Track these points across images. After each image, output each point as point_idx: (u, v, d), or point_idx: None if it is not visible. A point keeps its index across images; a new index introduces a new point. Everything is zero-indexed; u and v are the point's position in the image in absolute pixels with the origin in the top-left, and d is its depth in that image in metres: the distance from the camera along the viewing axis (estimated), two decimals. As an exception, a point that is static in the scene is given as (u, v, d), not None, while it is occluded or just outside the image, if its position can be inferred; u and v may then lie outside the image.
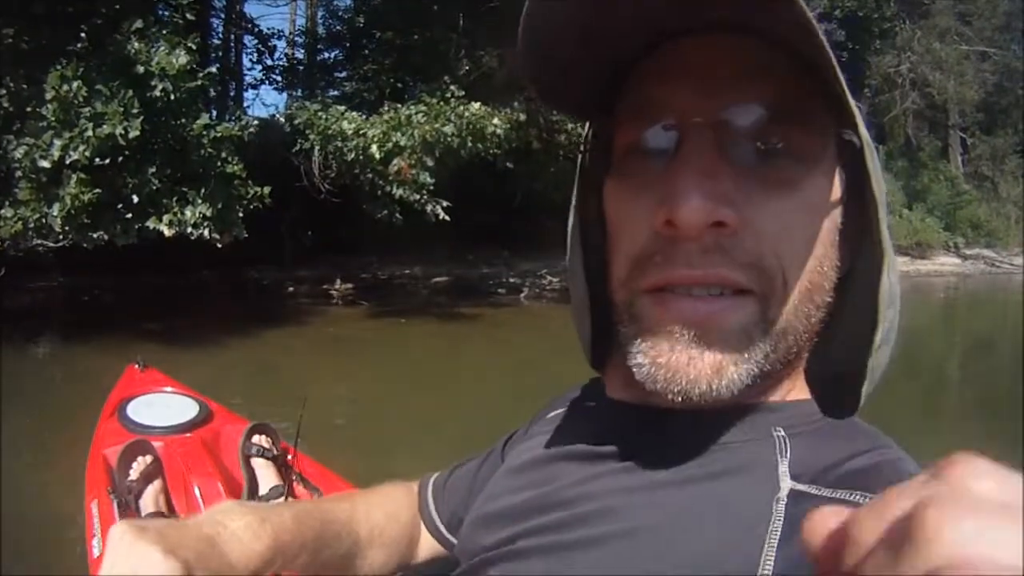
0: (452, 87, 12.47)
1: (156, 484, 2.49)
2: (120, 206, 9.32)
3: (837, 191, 0.61)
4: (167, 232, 9.45)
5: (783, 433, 0.62)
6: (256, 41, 19.10)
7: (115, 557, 0.65)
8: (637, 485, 0.64)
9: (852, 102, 0.57)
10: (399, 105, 12.40)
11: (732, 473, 0.61)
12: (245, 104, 19.03)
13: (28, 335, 10.08)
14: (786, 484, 0.57)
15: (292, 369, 8.74)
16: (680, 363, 0.57)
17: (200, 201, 9.65)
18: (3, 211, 9.08)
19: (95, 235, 9.23)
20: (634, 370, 0.61)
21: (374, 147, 11.48)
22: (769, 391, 0.66)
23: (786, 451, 0.60)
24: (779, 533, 0.54)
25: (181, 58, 9.58)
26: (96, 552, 2.28)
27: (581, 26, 0.56)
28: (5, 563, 3.51)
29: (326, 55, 19.68)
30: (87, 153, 8.65)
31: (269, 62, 19.26)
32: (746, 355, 0.58)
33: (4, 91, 9.25)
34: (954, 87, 27.39)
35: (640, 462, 0.65)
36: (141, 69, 9.42)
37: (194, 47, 9.87)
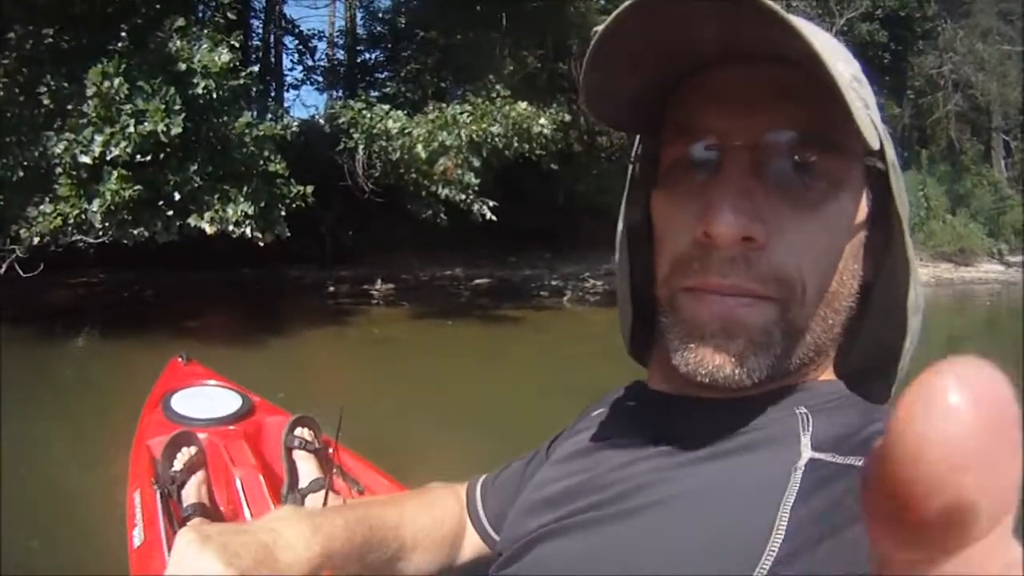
0: (498, 86, 12.11)
1: (199, 475, 2.46)
2: (161, 203, 9.09)
3: (863, 210, 0.66)
4: (209, 230, 9.21)
5: (805, 410, 0.65)
6: (296, 42, 18.91)
7: (180, 563, 0.70)
8: (670, 464, 0.66)
9: (878, 128, 0.61)
10: (444, 105, 12.06)
11: (758, 448, 0.63)
12: (286, 105, 18.74)
13: (69, 330, 10.06)
14: (806, 454, 0.60)
15: (334, 369, 8.50)
16: (708, 351, 0.63)
17: (242, 199, 9.41)
18: (43, 207, 8.89)
19: (136, 231, 9.01)
20: (670, 354, 0.66)
21: (419, 146, 11.12)
22: (795, 379, 0.68)
23: (808, 426, 0.63)
24: (794, 498, 0.56)
25: (223, 56, 9.35)
26: (137, 542, 2.25)
27: (632, 54, 0.61)
28: (44, 553, 3.68)
29: (367, 56, 19.38)
30: (128, 149, 8.43)
31: (310, 62, 19.09)
32: (766, 348, 0.62)
33: (44, 89, 9.06)
34: (997, 88, 26.62)
35: (675, 445, 0.68)
36: (183, 67, 9.21)
37: (236, 45, 9.61)
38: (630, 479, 0.68)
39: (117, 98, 8.53)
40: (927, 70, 25.76)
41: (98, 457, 4.31)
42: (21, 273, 9.20)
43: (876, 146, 0.58)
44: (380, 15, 19.28)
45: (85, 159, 8.52)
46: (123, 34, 9.31)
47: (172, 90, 8.82)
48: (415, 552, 0.95)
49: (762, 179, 0.62)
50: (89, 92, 8.52)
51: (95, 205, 8.56)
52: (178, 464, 2.44)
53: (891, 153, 0.64)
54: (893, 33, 23.16)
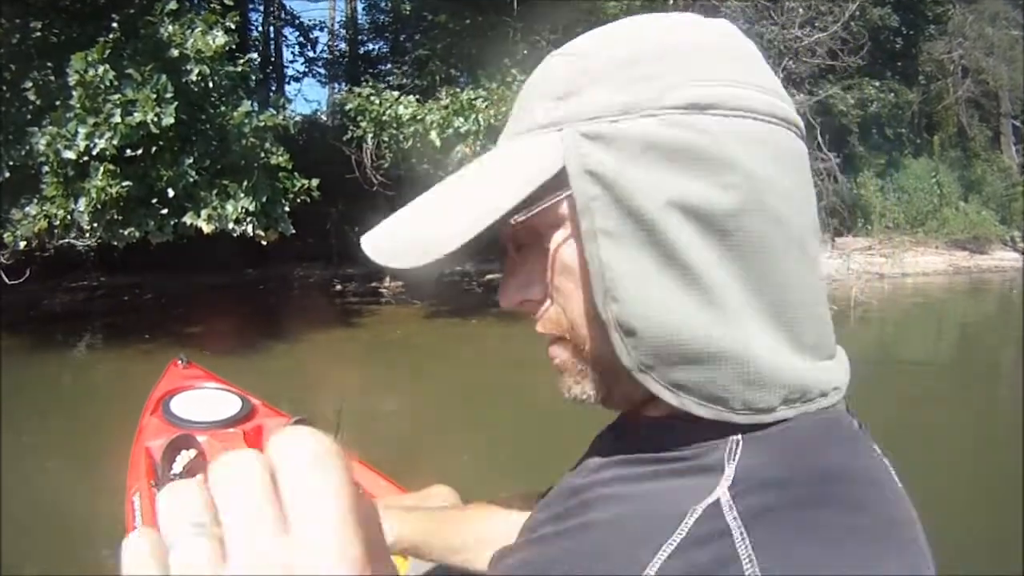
0: (513, 70, 11.22)
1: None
2: (155, 201, 8.21)
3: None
4: (206, 228, 8.33)
5: (739, 437, 0.61)
6: (297, 33, 18.06)
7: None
8: (609, 479, 0.68)
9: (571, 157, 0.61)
10: (457, 90, 11.19)
11: (678, 476, 0.62)
12: (289, 96, 17.93)
13: (69, 336, 9.86)
14: (716, 493, 0.58)
15: (344, 375, 7.72)
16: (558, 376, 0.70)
17: (242, 195, 8.54)
18: (28, 208, 8.05)
19: (126, 232, 8.13)
20: None
21: (433, 133, 10.16)
22: None
23: (734, 457, 0.60)
24: (674, 547, 0.55)
25: (218, 39, 8.48)
26: None
27: None
28: (42, 558, 3.71)
29: (371, 47, 18.56)
30: (114, 142, 7.56)
31: (311, 54, 18.20)
32: (581, 374, 0.68)
33: (31, 84, 8.30)
34: (1007, 73, 25.87)
35: (619, 464, 0.69)
36: (176, 53, 8.33)
37: (232, 27, 8.68)
38: (578, 495, 0.70)
39: (102, 87, 7.64)
40: (937, 55, 24.94)
41: (98, 460, 4.24)
42: (7, 280, 8.42)
43: (520, 198, 0.60)
44: (383, 4, 18.45)
45: (69, 154, 7.64)
46: (114, 25, 8.44)
47: (164, 78, 7.92)
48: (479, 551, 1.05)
49: (517, 258, 0.69)
50: (72, 80, 7.65)
51: (82, 204, 7.71)
52: (178, 467, 2.44)
53: (574, 166, 0.61)
54: (904, 18, 22.40)
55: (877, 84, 21.71)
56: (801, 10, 17.83)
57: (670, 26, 0.62)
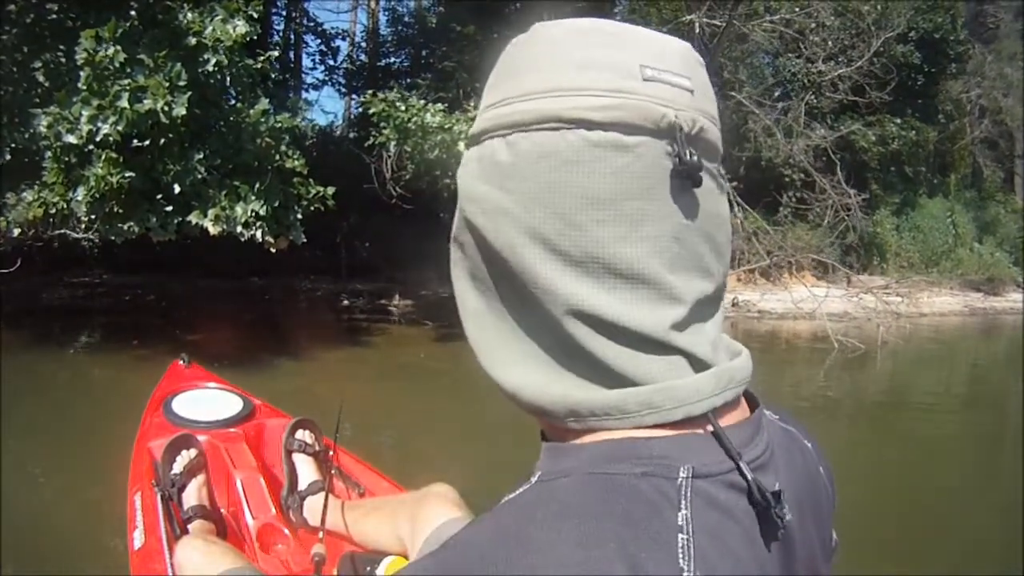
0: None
1: (200, 478, 2.39)
2: (159, 196, 7.52)
3: None
4: (212, 230, 7.62)
5: (534, 480, 0.52)
6: (319, 41, 17.41)
7: None
8: None
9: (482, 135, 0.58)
10: (486, 102, 10.52)
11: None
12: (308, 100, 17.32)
13: (66, 332, 9.66)
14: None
15: (353, 399, 6.94)
16: None
17: (253, 197, 7.81)
18: (25, 194, 7.46)
19: (126, 226, 7.41)
20: None
21: (461, 144, 9.39)
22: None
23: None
24: None
25: (239, 27, 7.75)
26: (137, 544, 2.20)
27: None
28: (43, 558, 3.62)
29: (392, 60, 17.87)
30: (119, 128, 6.84)
31: (331, 63, 17.55)
32: None
33: (40, 64, 7.69)
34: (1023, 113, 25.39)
35: None
36: (193, 41, 7.63)
37: (255, 16, 7.96)
38: None
39: (111, 68, 6.96)
40: (955, 94, 24.36)
41: (97, 459, 4.19)
42: (-1, 268, 7.81)
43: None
44: (406, 17, 17.92)
45: (71, 139, 6.96)
46: (132, 12, 7.76)
47: (178, 65, 7.23)
48: None
49: None
50: (79, 59, 6.98)
51: (80, 193, 7.02)
52: (179, 467, 2.39)
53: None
54: (927, 56, 21.85)
55: (899, 121, 21.09)
56: (830, 43, 17.24)
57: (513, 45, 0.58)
